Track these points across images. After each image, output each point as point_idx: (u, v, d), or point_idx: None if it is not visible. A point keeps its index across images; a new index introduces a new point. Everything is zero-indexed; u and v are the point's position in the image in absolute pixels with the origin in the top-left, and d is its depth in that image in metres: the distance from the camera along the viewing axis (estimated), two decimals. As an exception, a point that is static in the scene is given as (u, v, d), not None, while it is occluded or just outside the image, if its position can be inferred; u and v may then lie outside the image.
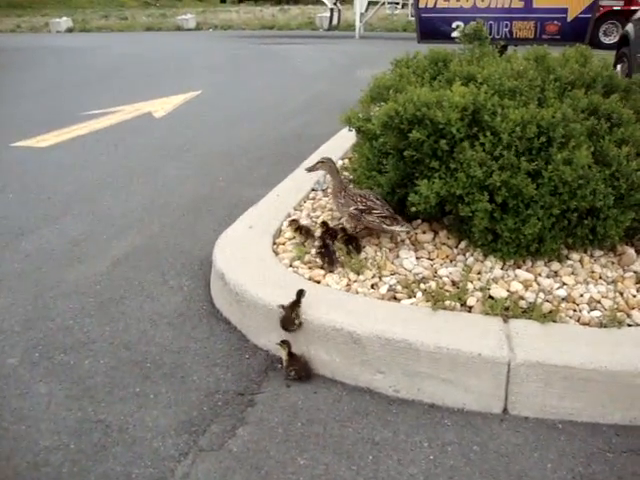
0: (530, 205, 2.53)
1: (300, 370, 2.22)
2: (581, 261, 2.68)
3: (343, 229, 2.88)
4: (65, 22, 25.74)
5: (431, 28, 4.24)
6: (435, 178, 2.60)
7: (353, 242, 2.77)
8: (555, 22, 3.99)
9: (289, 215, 3.19)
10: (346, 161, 4.38)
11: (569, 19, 3.97)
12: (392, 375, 2.16)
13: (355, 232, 2.86)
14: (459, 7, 4.10)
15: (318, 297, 2.35)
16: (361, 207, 2.79)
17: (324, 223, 2.91)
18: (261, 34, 23.25)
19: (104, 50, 16.59)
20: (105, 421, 1.99)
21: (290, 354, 2.22)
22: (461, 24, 4.13)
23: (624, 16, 13.98)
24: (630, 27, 7.42)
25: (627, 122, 2.76)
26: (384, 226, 2.77)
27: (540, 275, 2.57)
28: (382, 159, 2.91)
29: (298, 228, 2.94)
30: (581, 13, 3.94)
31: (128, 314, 2.65)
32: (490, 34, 3.75)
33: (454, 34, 4.24)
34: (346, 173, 3.45)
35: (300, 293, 2.25)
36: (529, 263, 2.65)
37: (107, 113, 7.39)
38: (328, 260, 2.63)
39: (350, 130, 3.11)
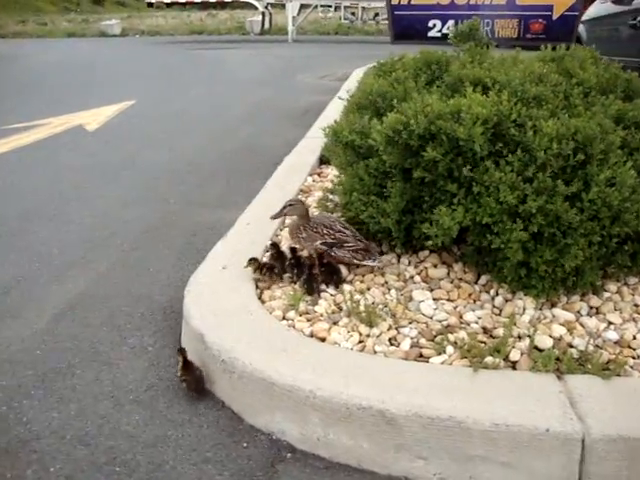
0: (568, 233, 2.13)
1: (192, 383, 2.02)
2: (619, 292, 2.32)
3: (320, 256, 2.46)
4: (-24, 28, 24.11)
5: (405, 27, 3.85)
6: (455, 205, 2.17)
7: (334, 274, 2.39)
8: (540, 20, 3.70)
9: (267, 248, 2.69)
10: (316, 177, 3.93)
11: (555, 17, 3.67)
12: (437, 461, 1.70)
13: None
14: (435, 4, 3.74)
15: (329, 363, 1.86)
16: (329, 240, 2.42)
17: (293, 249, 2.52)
18: (191, 39, 22.45)
19: (24, 58, 15.46)
20: None
21: (185, 362, 2.03)
22: (438, 22, 3.75)
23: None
24: (582, 28, 7.31)
25: (657, 131, 2.42)
26: (355, 261, 2.42)
27: (580, 313, 2.19)
28: (380, 180, 2.45)
29: (260, 267, 2.45)
30: (567, 10, 3.67)
31: (81, 391, 2.08)
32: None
33: (431, 33, 3.84)
34: (331, 196, 2.97)
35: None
36: (564, 299, 2.26)
37: (32, 127, 6.61)
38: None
39: (337, 144, 2.63)
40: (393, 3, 3.81)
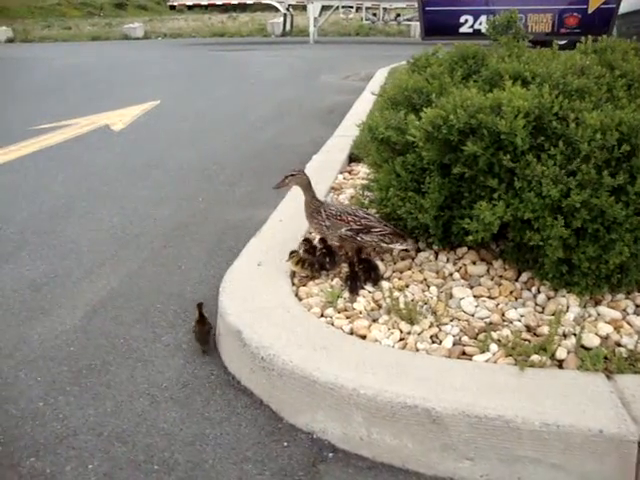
0: (612, 229, 2.07)
1: (200, 334, 2.25)
2: (665, 290, 2.24)
3: (359, 250, 2.45)
4: (4, 32, 24.50)
5: (436, 23, 3.78)
6: (495, 200, 2.11)
7: (372, 271, 2.35)
8: (575, 14, 3.58)
9: (300, 245, 2.65)
10: (346, 174, 3.88)
11: (590, 10, 3.56)
12: (484, 462, 1.65)
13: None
14: (468, -1, 3.65)
15: (372, 360, 1.82)
16: (356, 227, 2.39)
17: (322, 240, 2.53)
18: (213, 41, 22.62)
19: (50, 60, 15.63)
20: None
21: (201, 316, 2.25)
22: (470, 18, 3.67)
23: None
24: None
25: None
26: (383, 244, 2.41)
27: (627, 312, 2.12)
28: (418, 176, 2.40)
29: (301, 261, 2.43)
30: (603, 3, 3.55)
31: (116, 387, 2.06)
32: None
33: (463, 29, 3.78)
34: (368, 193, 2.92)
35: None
36: (608, 297, 2.19)
37: (59, 127, 6.67)
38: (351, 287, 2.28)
39: (372, 140, 2.59)
40: (424, -1, 3.74)
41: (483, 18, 3.64)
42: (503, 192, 2.14)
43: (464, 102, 2.15)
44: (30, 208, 3.99)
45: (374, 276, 2.31)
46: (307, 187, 2.52)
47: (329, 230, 2.45)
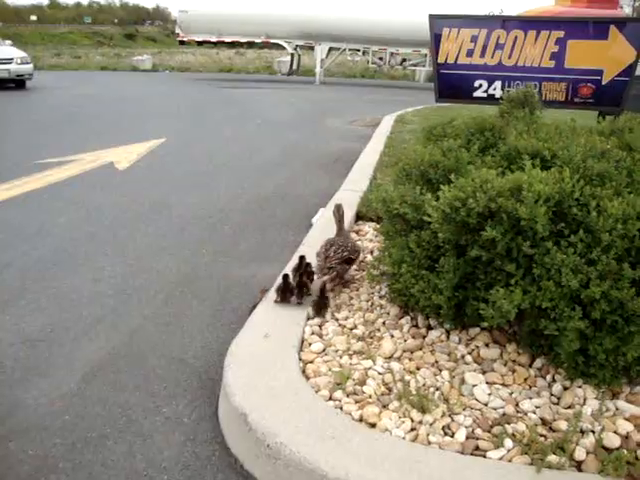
0: (631, 320, 2.01)
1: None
2: (685, 385, 2.18)
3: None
4: (14, 59, 24.76)
5: (451, 86, 3.80)
6: (513, 286, 2.06)
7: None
8: (589, 84, 3.61)
9: (309, 316, 2.59)
10: (354, 235, 3.84)
11: (604, 82, 3.59)
12: None
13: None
14: (483, 64, 3.68)
15: (382, 454, 1.74)
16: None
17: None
18: (219, 77, 22.89)
19: (58, 90, 15.79)
20: None
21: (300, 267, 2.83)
22: (484, 83, 3.69)
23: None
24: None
25: None
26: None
27: (646, 407, 2.05)
28: (432, 253, 2.36)
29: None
30: (618, 75, 3.58)
31: (112, 467, 1.96)
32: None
33: (477, 93, 3.79)
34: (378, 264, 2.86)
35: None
36: (626, 389, 2.13)
37: (64, 162, 6.65)
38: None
39: (386, 214, 2.55)
40: (439, 62, 3.75)
41: (498, 83, 3.67)
42: (520, 278, 2.10)
43: (483, 184, 2.12)
44: (31, 252, 3.92)
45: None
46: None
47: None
